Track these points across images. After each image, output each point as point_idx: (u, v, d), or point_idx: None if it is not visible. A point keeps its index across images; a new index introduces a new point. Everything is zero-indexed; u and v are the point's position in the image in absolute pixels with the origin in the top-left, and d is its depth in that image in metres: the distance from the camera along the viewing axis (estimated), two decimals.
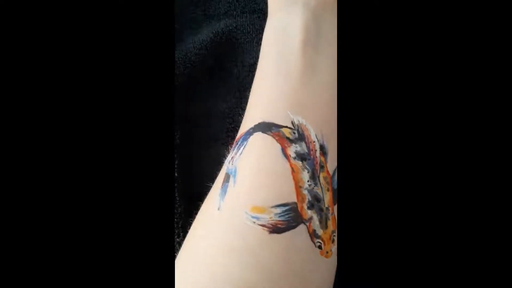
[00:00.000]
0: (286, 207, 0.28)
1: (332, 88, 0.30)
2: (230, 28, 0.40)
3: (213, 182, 0.32)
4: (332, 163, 0.30)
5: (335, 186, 0.30)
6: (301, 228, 0.28)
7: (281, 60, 0.31)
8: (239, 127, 0.32)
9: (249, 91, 0.33)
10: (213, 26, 0.41)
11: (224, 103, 0.39)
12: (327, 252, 0.29)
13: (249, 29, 0.40)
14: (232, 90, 0.40)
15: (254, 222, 0.28)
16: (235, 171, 0.30)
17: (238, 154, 0.31)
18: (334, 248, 0.30)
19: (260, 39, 0.33)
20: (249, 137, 0.30)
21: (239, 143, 0.31)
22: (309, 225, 0.29)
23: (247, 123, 0.31)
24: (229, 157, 0.31)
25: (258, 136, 0.30)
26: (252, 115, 0.31)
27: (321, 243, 0.29)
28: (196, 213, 0.32)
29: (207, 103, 0.40)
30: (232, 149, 0.31)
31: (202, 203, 0.32)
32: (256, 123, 0.30)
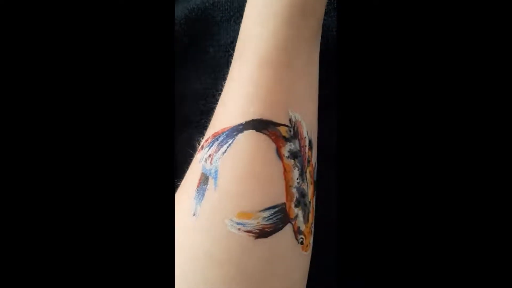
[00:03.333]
0: (275, 209, 0.26)
1: (316, 82, 0.28)
2: (207, 4, 0.36)
3: (183, 174, 0.27)
4: (315, 155, 0.28)
5: (316, 178, 0.29)
6: (287, 227, 0.27)
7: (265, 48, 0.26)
8: (213, 109, 0.27)
9: (227, 72, 0.28)
10: (188, 2, 0.37)
11: (199, 84, 0.33)
12: (307, 246, 0.28)
13: (226, 7, 0.36)
14: (207, 71, 0.34)
15: (239, 229, 0.25)
16: (215, 173, 0.26)
17: (219, 152, 0.26)
18: (311, 239, 0.29)
19: (239, 17, 0.28)
20: (237, 135, 0.26)
21: (220, 140, 0.26)
22: (295, 223, 0.27)
23: (233, 115, 0.26)
24: (204, 154, 0.26)
25: (251, 135, 0.26)
26: (242, 108, 0.26)
27: (303, 238, 0.28)
28: None
29: (181, 83, 0.34)
30: (208, 144, 0.26)
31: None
32: (249, 119, 0.26)
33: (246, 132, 0.26)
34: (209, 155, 0.26)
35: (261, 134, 0.25)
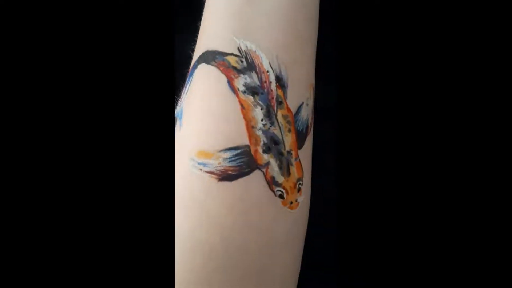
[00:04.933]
0: (237, 151, 0.24)
1: (287, 8, 0.25)
2: None
3: None
4: (295, 98, 0.25)
5: (301, 127, 0.26)
6: (256, 174, 0.24)
7: None
8: None
9: None
10: None
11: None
12: (291, 203, 0.25)
13: None
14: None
15: (201, 169, 0.24)
16: (181, 113, 0.25)
17: (184, 92, 0.26)
18: (302, 198, 0.25)
19: None
20: (194, 71, 0.25)
21: (186, 80, 0.26)
22: (266, 171, 0.24)
23: (195, 53, 0.26)
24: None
25: (202, 68, 0.25)
26: (198, 45, 0.26)
27: (282, 191, 0.24)
28: None
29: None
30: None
31: None
32: (200, 53, 0.25)
33: (199, 66, 0.25)
34: (180, 98, 0.26)
35: (210, 66, 0.24)
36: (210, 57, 0.24)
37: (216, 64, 0.24)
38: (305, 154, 0.26)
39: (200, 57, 0.25)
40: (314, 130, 0.29)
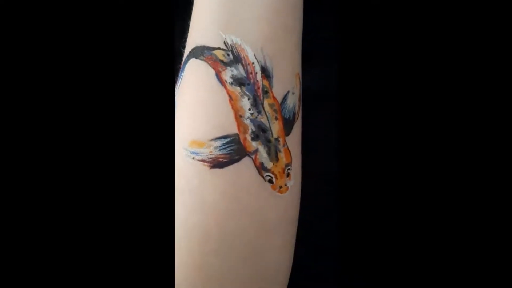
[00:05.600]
0: (227, 139, 0.25)
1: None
2: None
3: None
4: (280, 87, 0.26)
5: (288, 115, 0.27)
6: (246, 161, 0.25)
7: None
8: None
9: None
10: None
11: None
12: (280, 187, 0.26)
13: None
14: None
15: (194, 158, 0.25)
16: (175, 105, 0.27)
17: (177, 87, 0.27)
18: (291, 182, 0.27)
19: None
20: (185, 66, 0.27)
21: (178, 75, 0.27)
22: (255, 157, 0.26)
23: (185, 51, 0.28)
24: None
25: (192, 63, 0.26)
26: (188, 41, 0.27)
27: (271, 176, 0.26)
28: None
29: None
30: None
31: None
32: (190, 49, 0.27)
33: (189, 62, 0.26)
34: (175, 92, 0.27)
35: (199, 60, 0.26)
36: (198, 52, 0.26)
37: (204, 58, 0.26)
38: (294, 140, 0.27)
39: (190, 52, 0.26)
40: (314, 117, 0.30)
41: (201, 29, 0.26)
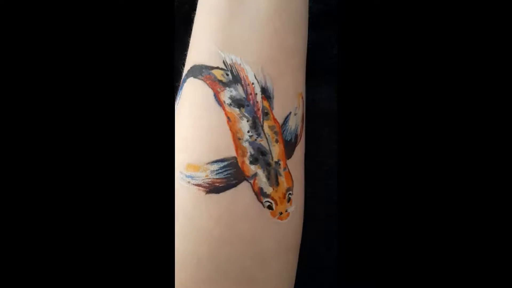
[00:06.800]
0: (224, 163, 0.24)
1: (272, 20, 0.25)
2: None
3: None
4: (281, 108, 0.25)
5: (290, 137, 0.26)
6: (244, 186, 0.24)
7: None
8: None
9: None
10: None
11: None
12: (280, 213, 0.25)
13: None
14: None
15: (189, 182, 0.24)
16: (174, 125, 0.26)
17: (176, 106, 0.26)
18: (292, 208, 0.26)
19: None
20: (183, 85, 0.26)
21: (177, 94, 0.26)
22: (254, 182, 0.24)
23: (184, 69, 0.27)
24: None
25: (190, 82, 0.25)
26: (187, 60, 0.27)
27: (271, 202, 0.25)
28: None
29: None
30: None
31: None
32: (189, 67, 0.26)
33: (187, 80, 0.25)
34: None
35: (198, 79, 0.25)
36: (197, 71, 0.25)
37: (203, 78, 0.24)
38: (296, 163, 0.26)
39: (188, 71, 0.25)
40: (315, 134, 0.29)
41: (200, 48, 0.25)
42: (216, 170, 0.24)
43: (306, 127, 0.27)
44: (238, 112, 0.24)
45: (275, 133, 0.25)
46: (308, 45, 0.28)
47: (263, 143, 0.25)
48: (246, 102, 0.24)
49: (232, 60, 0.24)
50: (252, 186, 0.24)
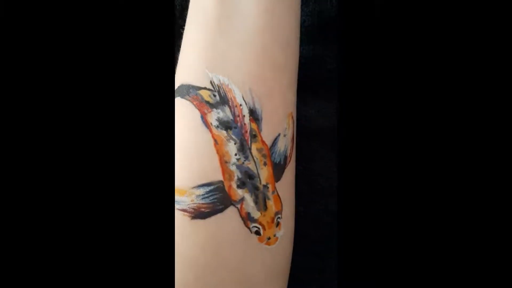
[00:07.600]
0: (210, 187, 0.23)
1: (261, 37, 0.24)
2: None
3: None
4: (270, 130, 0.25)
5: (279, 159, 0.25)
6: (230, 211, 0.23)
7: (197, 7, 0.25)
8: None
9: None
10: None
11: None
12: (268, 238, 0.24)
13: None
14: None
15: (174, 208, 0.23)
16: None
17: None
18: (281, 232, 0.25)
19: None
20: None
21: None
22: (241, 206, 0.24)
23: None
24: None
25: (177, 102, 0.24)
26: (175, 78, 0.26)
27: (258, 228, 0.24)
28: None
29: None
30: None
31: None
32: (176, 87, 0.25)
33: (175, 100, 0.24)
34: None
35: (185, 100, 0.24)
36: (184, 91, 0.24)
37: (190, 98, 0.24)
38: (285, 185, 0.25)
39: (176, 90, 0.24)
40: (313, 152, 0.29)
41: (188, 67, 0.24)
42: (202, 194, 0.23)
43: (299, 144, 0.27)
44: (226, 135, 0.23)
45: (264, 155, 0.24)
46: (301, 60, 0.27)
47: (251, 166, 0.24)
48: (233, 124, 0.24)
49: (219, 80, 0.24)
50: (239, 211, 0.23)
